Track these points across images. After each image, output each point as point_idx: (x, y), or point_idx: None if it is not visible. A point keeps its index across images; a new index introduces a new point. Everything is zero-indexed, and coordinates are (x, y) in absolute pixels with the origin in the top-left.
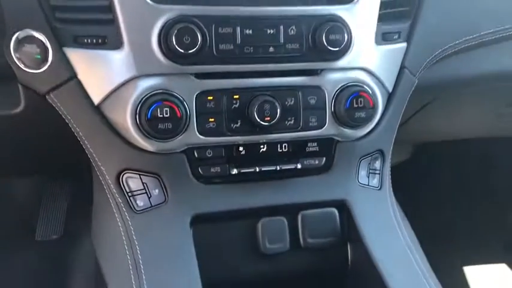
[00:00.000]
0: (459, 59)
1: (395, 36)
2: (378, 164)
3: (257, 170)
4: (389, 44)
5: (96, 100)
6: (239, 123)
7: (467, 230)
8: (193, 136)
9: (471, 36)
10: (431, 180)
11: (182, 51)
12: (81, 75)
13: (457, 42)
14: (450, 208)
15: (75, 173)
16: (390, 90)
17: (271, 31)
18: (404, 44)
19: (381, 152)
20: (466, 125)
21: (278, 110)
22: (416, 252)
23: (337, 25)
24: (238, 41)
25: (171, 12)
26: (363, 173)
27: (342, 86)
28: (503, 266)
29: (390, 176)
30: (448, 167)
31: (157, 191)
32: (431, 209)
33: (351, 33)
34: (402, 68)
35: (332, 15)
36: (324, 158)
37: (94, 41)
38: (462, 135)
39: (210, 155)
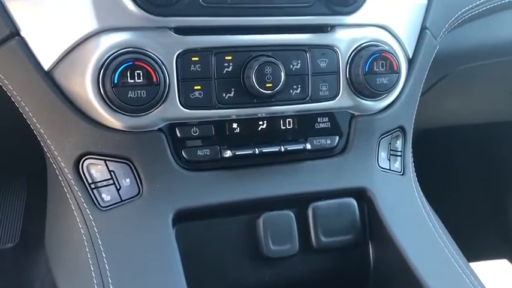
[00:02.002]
0: (478, 26)
1: None
2: (399, 144)
3: (256, 151)
4: None
5: (46, 64)
6: (232, 92)
7: (470, 222)
8: (174, 109)
9: None
10: (434, 169)
11: None
12: (26, 32)
13: (481, 1)
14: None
15: (32, 166)
16: (411, 55)
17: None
18: (425, 1)
19: (402, 130)
20: (477, 108)
21: (282, 74)
22: (451, 246)
23: None
24: None
25: None
26: (383, 154)
27: (358, 46)
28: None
29: (413, 159)
30: (451, 155)
31: (128, 180)
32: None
33: None
34: (423, 29)
35: None
36: (337, 137)
37: None
38: (472, 120)
39: (196, 134)
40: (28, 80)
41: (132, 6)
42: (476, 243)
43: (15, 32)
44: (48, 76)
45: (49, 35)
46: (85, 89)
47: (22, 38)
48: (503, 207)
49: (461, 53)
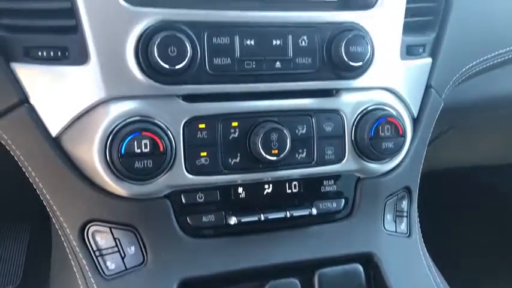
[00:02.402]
0: (484, 78)
1: (420, 50)
2: (404, 205)
3: (261, 218)
4: (414, 58)
5: (54, 131)
6: (238, 158)
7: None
8: (180, 176)
9: (503, 50)
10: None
11: (167, 66)
12: (35, 99)
13: (488, 56)
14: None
15: (34, 213)
16: (416, 114)
17: (278, 42)
18: (429, 60)
19: (408, 190)
20: (483, 152)
21: (288, 141)
22: None
23: (358, 35)
24: (237, 53)
25: (152, 17)
26: (389, 217)
27: (363, 110)
28: None
29: (418, 219)
30: (455, 196)
31: (133, 248)
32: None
33: (373, 44)
34: (428, 87)
35: (351, 23)
36: (343, 200)
37: (51, 53)
38: (476, 162)
39: (201, 200)
40: (35, 146)
41: (140, 75)
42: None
43: (24, 99)
44: (56, 142)
45: (57, 102)
46: (92, 157)
47: (31, 105)
48: None
49: (467, 106)
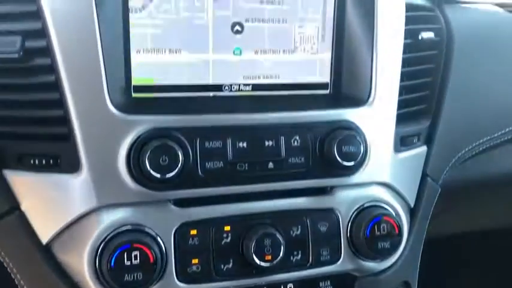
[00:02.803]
0: (482, 159)
1: (415, 140)
2: None
3: None
4: (408, 149)
5: (44, 238)
6: (231, 264)
7: None
8: (171, 285)
9: (499, 133)
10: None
11: (158, 176)
12: (26, 206)
13: (484, 140)
14: None
15: None
16: (412, 204)
17: (270, 143)
18: (424, 148)
19: (406, 284)
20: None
21: (282, 247)
22: None
23: (351, 134)
24: (230, 157)
25: (143, 124)
26: None
27: (359, 208)
28: None
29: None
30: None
31: None
32: None
33: (366, 142)
34: (424, 176)
35: (343, 120)
36: None
37: (44, 161)
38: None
39: None
40: (24, 252)
41: (131, 183)
42: None
43: (15, 207)
44: (46, 250)
45: (49, 210)
46: (81, 267)
47: (21, 212)
48: None
49: (465, 187)
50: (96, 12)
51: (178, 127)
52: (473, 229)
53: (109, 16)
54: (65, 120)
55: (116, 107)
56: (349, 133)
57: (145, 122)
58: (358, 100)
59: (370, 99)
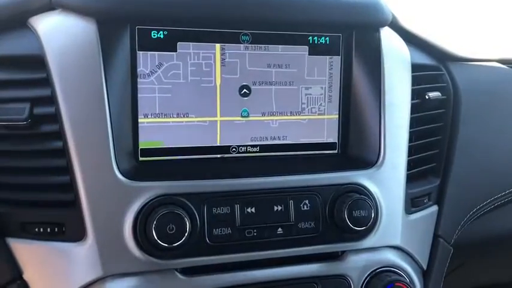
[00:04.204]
0: (494, 216)
1: (426, 200)
2: None
3: None
4: (419, 210)
5: None
6: None
7: None
8: None
9: (508, 191)
10: None
11: (165, 245)
12: (29, 275)
13: (497, 196)
14: None
15: None
16: (425, 267)
17: (279, 208)
18: (435, 208)
19: None
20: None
21: None
22: None
23: (362, 199)
24: (238, 222)
25: (150, 191)
26: None
27: (371, 273)
28: None
29: None
30: None
31: None
32: None
33: (377, 206)
34: (436, 237)
35: (353, 183)
36: None
37: (48, 229)
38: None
39: None
40: None
41: (137, 252)
42: None
43: (17, 276)
44: None
45: (52, 279)
46: None
47: (24, 282)
48: None
49: (478, 244)
50: (105, 78)
51: (185, 193)
52: (488, 283)
53: (117, 82)
54: (71, 186)
55: (122, 173)
56: (359, 197)
57: (152, 189)
58: (367, 161)
59: (379, 160)
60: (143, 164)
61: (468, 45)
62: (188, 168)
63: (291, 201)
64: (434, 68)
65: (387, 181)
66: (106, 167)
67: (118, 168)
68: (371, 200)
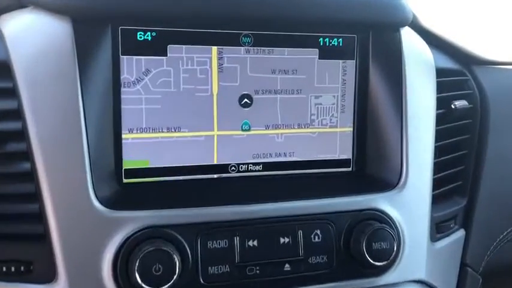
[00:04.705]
0: None
1: (452, 224)
2: None
3: None
4: (445, 236)
5: None
6: None
7: None
8: None
9: None
10: None
11: None
12: None
13: None
14: None
15: None
16: None
17: (286, 240)
18: (462, 232)
19: None
20: None
21: None
22: None
23: (382, 228)
24: (238, 258)
25: (134, 222)
26: None
27: None
28: None
29: None
30: None
31: None
32: None
33: (400, 235)
34: (463, 266)
35: (372, 209)
36: None
37: (13, 269)
38: None
39: None
40: None
41: None
42: None
43: None
44: None
45: None
46: None
47: None
48: None
49: (510, 272)
50: (81, 88)
51: (175, 225)
52: None
53: (96, 92)
54: (40, 217)
55: (100, 200)
56: (380, 226)
57: (135, 220)
58: (386, 182)
59: (401, 181)
60: (127, 188)
61: (495, 46)
62: (179, 193)
63: (300, 232)
64: (458, 72)
65: (410, 205)
66: (81, 194)
67: (95, 194)
68: (393, 228)
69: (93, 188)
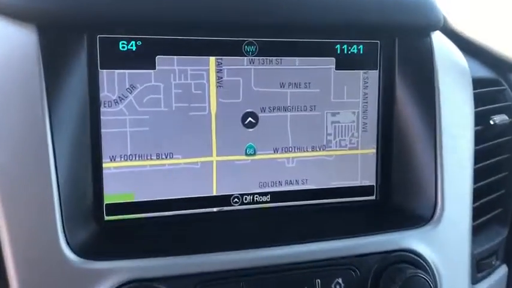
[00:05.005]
0: None
1: (494, 261)
2: None
3: None
4: (487, 275)
5: None
6: None
7: None
8: None
9: None
10: None
11: None
12: None
13: None
14: None
15: None
16: None
17: None
18: (504, 269)
19: None
20: None
21: None
22: None
23: (417, 275)
24: None
25: (115, 275)
26: None
27: None
28: None
29: None
30: None
31: None
32: None
33: (437, 281)
34: None
35: (404, 250)
36: None
37: None
38: None
39: None
40: None
41: None
42: None
43: None
44: None
45: None
46: None
47: None
48: None
49: None
50: (49, 109)
51: (166, 276)
52: None
53: (69, 113)
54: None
55: (74, 248)
56: (413, 272)
57: (118, 272)
58: (418, 215)
59: (436, 214)
60: (108, 228)
61: None
62: (172, 233)
63: (318, 281)
64: (494, 82)
65: (448, 243)
66: (49, 241)
67: (67, 241)
68: (429, 274)
69: (64, 233)
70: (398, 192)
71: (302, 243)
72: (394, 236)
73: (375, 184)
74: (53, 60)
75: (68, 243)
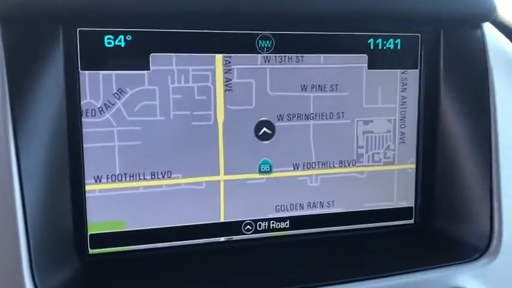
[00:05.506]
0: None
1: None
2: None
3: None
4: None
5: None
6: None
7: None
8: None
9: None
10: None
11: None
12: None
13: None
14: None
15: None
16: None
17: None
18: None
19: None
20: None
21: None
22: None
23: None
24: None
25: None
26: None
27: None
28: None
29: None
30: None
31: None
32: None
33: None
34: None
35: None
36: None
37: None
38: None
39: None
40: None
41: None
42: None
43: None
44: None
45: None
46: None
47: None
48: None
49: None
50: (13, 121)
51: None
52: None
53: (40, 123)
54: None
55: None
56: None
57: None
58: (468, 245)
59: (493, 245)
60: (92, 265)
61: None
62: (170, 270)
63: None
64: None
65: (507, 280)
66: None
67: (36, 286)
68: None
69: (33, 277)
70: (441, 216)
71: (329, 284)
72: (443, 272)
73: (413, 205)
74: (20, 59)
75: (35, 284)
